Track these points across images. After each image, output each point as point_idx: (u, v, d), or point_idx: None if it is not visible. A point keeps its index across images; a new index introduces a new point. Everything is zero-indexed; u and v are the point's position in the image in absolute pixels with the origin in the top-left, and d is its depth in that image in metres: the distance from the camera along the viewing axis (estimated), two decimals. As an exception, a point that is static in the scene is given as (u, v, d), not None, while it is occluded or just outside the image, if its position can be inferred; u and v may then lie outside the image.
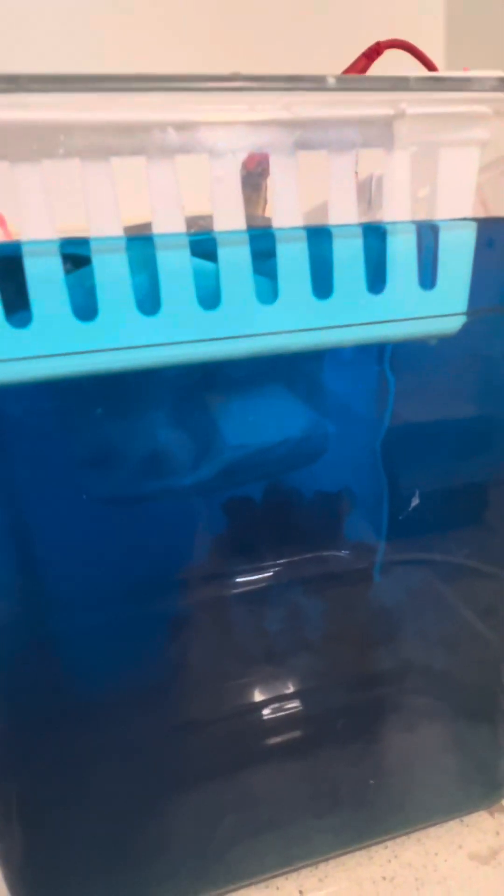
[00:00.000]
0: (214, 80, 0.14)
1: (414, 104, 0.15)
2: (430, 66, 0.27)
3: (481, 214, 0.24)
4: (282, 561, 0.25)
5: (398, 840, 0.26)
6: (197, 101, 0.14)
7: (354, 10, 0.42)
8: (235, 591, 0.25)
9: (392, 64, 0.26)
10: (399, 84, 0.15)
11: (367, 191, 0.26)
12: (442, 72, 0.27)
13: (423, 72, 0.27)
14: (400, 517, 0.25)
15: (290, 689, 0.26)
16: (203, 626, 0.25)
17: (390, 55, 0.26)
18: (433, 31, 0.44)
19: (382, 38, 0.26)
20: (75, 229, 0.16)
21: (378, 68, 0.26)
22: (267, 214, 0.29)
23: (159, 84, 0.13)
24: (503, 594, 0.25)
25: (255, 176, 0.28)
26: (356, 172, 0.28)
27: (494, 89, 0.16)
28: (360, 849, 0.26)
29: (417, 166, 0.19)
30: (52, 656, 0.22)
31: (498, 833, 0.26)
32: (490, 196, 0.24)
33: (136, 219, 0.17)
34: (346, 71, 0.26)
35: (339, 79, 0.14)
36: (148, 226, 0.16)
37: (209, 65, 0.41)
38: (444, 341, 0.19)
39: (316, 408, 0.23)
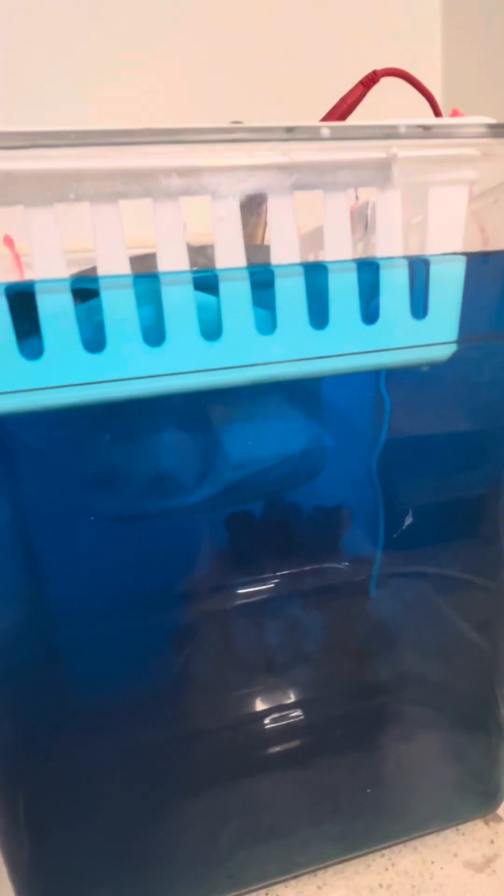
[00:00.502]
0: (216, 132, 0.15)
1: (405, 148, 0.16)
2: (425, 93, 0.28)
3: (479, 239, 0.25)
4: (281, 574, 0.26)
5: (395, 848, 0.27)
6: (200, 151, 0.15)
7: (353, 37, 0.44)
8: (236, 604, 0.26)
9: (389, 91, 0.27)
10: (390, 132, 0.16)
11: (365, 216, 0.27)
12: (437, 104, 0.28)
13: (419, 98, 0.28)
14: (395, 532, 0.25)
15: (290, 700, 0.26)
16: (204, 639, 0.25)
17: (386, 82, 0.27)
18: (431, 59, 0.45)
19: (380, 65, 0.27)
20: (83, 247, 0.17)
21: (374, 95, 0.27)
22: (266, 240, 0.30)
23: (164, 137, 0.14)
24: (496, 606, 0.26)
25: (255, 202, 0.29)
26: (356, 199, 0.29)
27: (480, 135, 0.16)
28: (358, 857, 0.26)
29: (412, 195, 0.20)
30: (59, 667, 0.23)
31: (493, 841, 0.27)
32: (487, 222, 0.25)
33: (142, 240, 0.18)
34: (343, 99, 0.27)
35: (332, 128, 0.15)
36: (153, 256, 0.17)
37: (213, 90, 0.42)
38: (437, 367, 0.20)
39: (314, 429, 0.23)
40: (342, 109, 0.27)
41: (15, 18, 0.37)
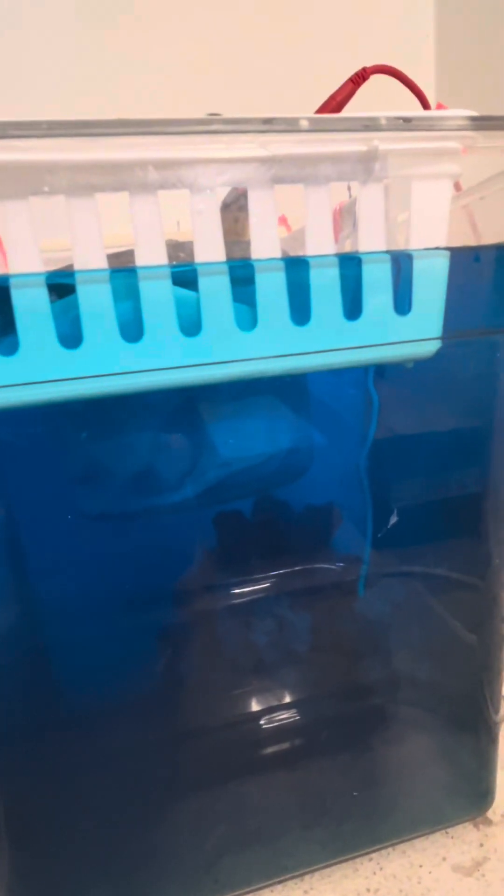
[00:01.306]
0: (191, 124, 0.14)
1: (386, 141, 0.16)
2: (415, 90, 0.27)
3: (470, 232, 0.25)
4: (269, 574, 0.26)
5: (383, 852, 0.26)
6: (177, 143, 0.15)
7: (347, 34, 0.43)
8: (223, 604, 0.25)
9: (383, 88, 0.27)
10: (370, 124, 0.16)
11: (355, 212, 0.27)
12: (427, 101, 0.27)
13: (409, 96, 0.28)
14: (384, 531, 0.25)
15: (278, 702, 0.26)
16: (191, 639, 0.25)
17: (382, 80, 0.27)
18: (424, 56, 0.45)
19: (375, 62, 0.27)
20: (60, 246, 0.17)
21: (368, 93, 0.27)
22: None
23: (138, 129, 0.14)
24: (484, 605, 0.26)
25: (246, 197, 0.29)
26: (350, 196, 0.29)
27: (463, 128, 0.16)
28: (345, 861, 0.26)
29: (397, 193, 0.20)
30: (46, 668, 0.23)
31: (482, 845, 0.26)
32: (477, 217, 0.25)
33: (122, 238, 0.18)
34: (333, 96, 0.27)
35: (311, 120, 0.15)
36: (131, 253, 0.16)
37: (202, 87, 0.42)
38: (423, 363, 0.20)
39: (300, 426, 0.23)
40: (331, 106, 0.27)
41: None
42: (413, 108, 0.28)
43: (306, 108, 0.27)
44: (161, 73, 0.42)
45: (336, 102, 0.27)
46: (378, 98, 0.30)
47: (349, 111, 0.27)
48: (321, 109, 0.27)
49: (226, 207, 0.27)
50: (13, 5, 0.37)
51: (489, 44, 0.40)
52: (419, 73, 0.28)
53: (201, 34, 0.42)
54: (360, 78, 0.27)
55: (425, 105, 0.28)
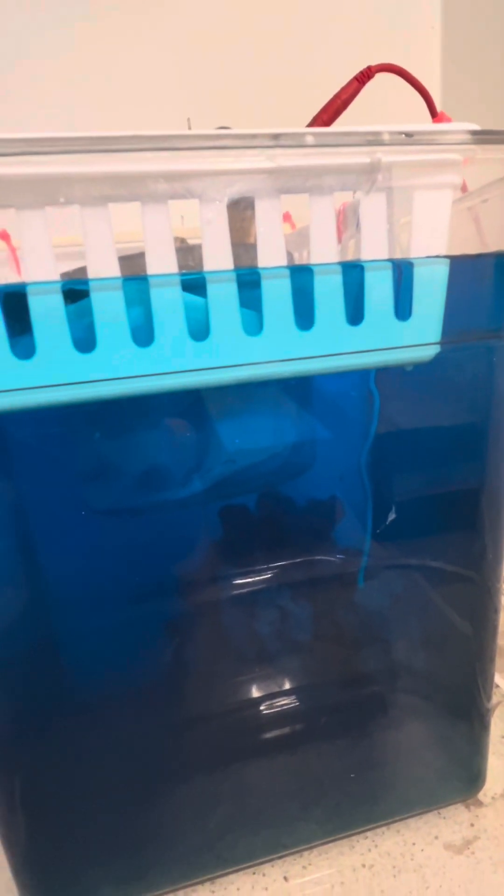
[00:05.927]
0: (202, 139, 0.15)
1: (389, 154, 0.17)
2: (420, 89, 0.28)
3: (474, 231, 0.26)
4: (272, 565, 0.27)
5: (378, 830, 0.28)
6: (187, 157, 0.15)
7: (354, 33, 0.43)
8: (226, 595, 0.26)
9: (389, 85, 0.27)
10: (373, 139, 0.16)
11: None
12: (432, 100, 0.28)
13: (414, 93, 0.28)
14: (383, 526, 0.26)
15: (279, 689, 0.27)
16: (196, 629, 0.26)
17: (388, 77, 0.27)
18: (430, 54, 0.45)
19: (381, 60, 0.27)
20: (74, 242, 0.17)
21: (374, 90, 0.27)
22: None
23: (151, 144, 0.15)
24: (479, 597, 0.27)
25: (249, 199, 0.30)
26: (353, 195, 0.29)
27: (463, 142, 0.17)
28: (342, 838, 0.27)
29: (400, 197, 0.20)
30: (57, 657, 0.24)
31: (472, 825, 0.28)
32: (481, 215, 0.25)
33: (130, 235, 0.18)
34: (338, 95, 0.27)
35: (316, 135, 0.16)
36: (142, 255, 0.17)
37: (211, 86, 0.42)
38: (423, 366, 0.21)
39: (303, 424, 0.24)
40: (336, 105, 0.27)
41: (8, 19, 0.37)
42: (418, 105, 0.28)
43: (312, 106, 0.27)
44: (169, 72, 0.42)
45: (341, 101, 0.27)
46: (384, 96, 0.30)
47: (354, 109, 0.27)
48: (326, 108, 0.27)
49: (234, 205, 0.27)
50: (13, 16, 0.37)
51: (495, 41, 0.40)
52: (425, 70, 0.28)
53: (209, 35, 0.42)
54: (364, 77, 0.27)
55: (430, 103, 0.28)
